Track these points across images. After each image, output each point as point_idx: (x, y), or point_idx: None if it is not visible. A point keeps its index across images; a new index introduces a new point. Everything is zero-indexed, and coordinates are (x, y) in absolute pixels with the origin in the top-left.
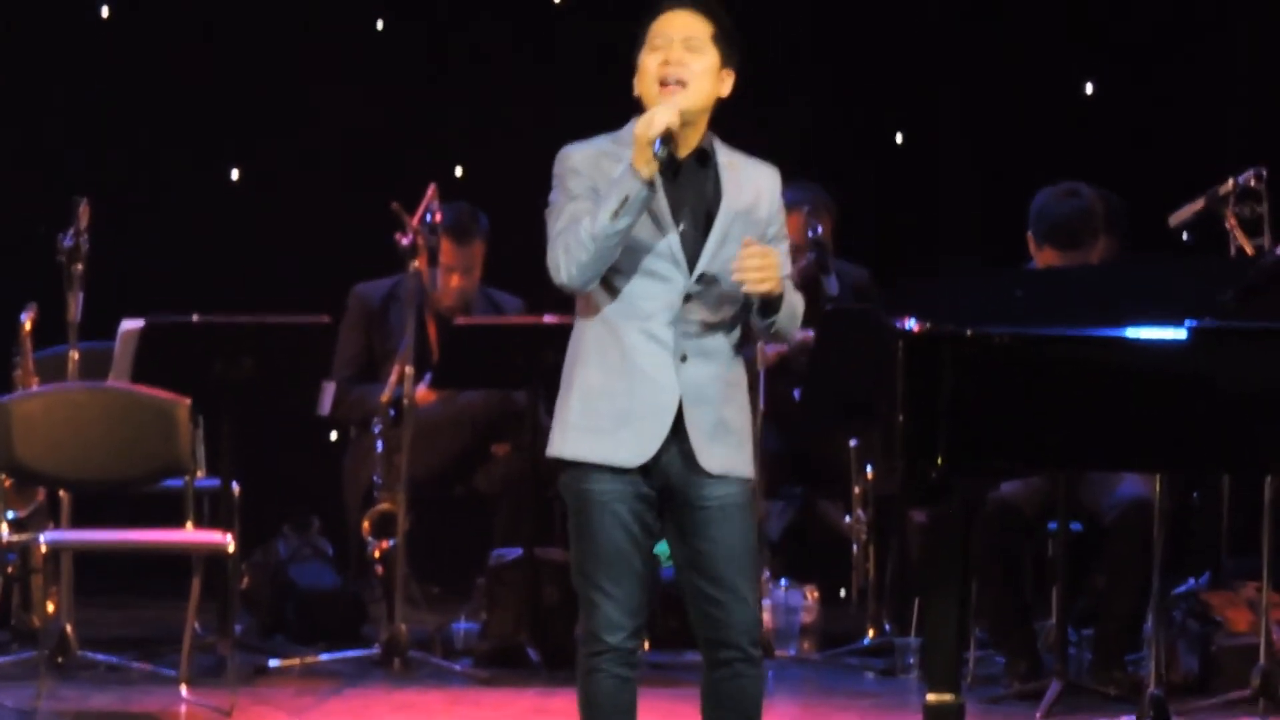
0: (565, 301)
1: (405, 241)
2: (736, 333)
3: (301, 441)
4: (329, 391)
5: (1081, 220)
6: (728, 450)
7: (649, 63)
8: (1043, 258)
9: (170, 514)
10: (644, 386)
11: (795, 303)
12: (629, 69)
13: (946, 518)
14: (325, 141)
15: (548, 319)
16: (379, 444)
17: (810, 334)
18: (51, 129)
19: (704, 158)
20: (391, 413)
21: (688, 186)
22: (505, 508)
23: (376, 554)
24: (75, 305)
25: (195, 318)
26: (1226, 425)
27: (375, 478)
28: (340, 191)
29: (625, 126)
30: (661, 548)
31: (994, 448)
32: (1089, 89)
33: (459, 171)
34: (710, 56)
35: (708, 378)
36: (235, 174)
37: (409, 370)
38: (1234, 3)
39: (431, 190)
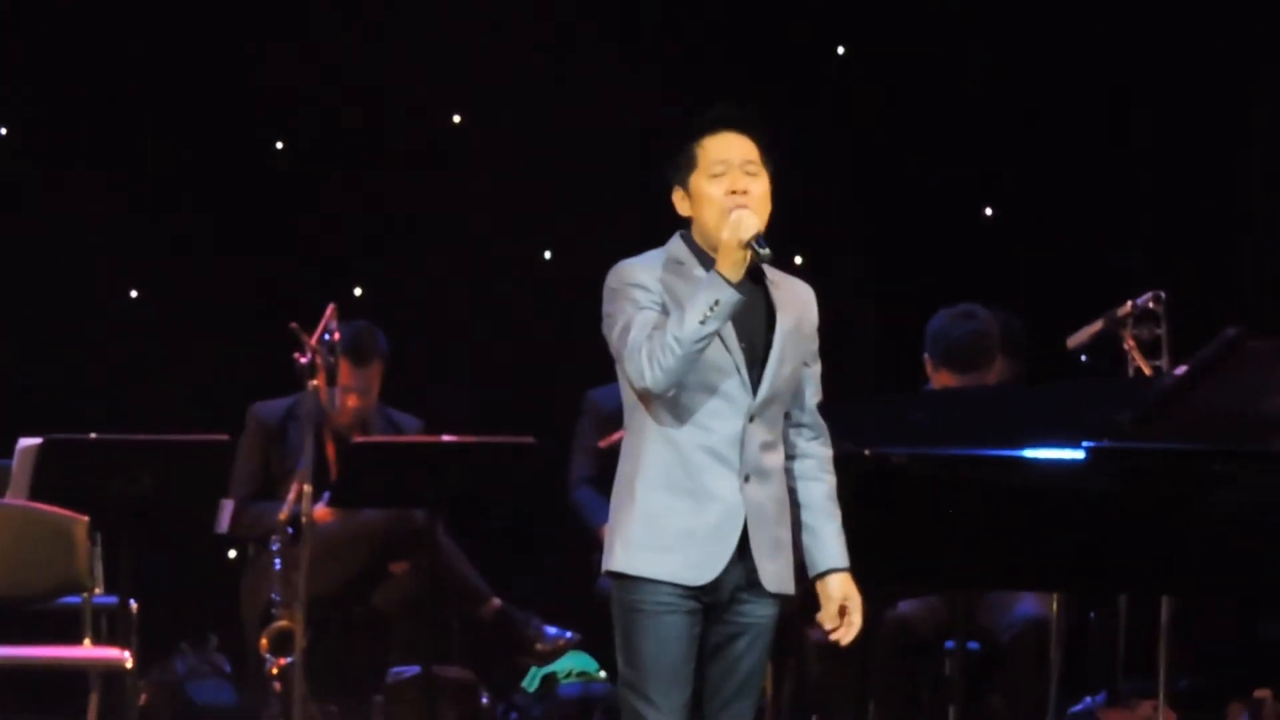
0: (463, 422)
1: (303, 360)
2: (782, 451)
3: (200, 559)
4: (227, 509)
5: (978, 342)
6: (779, 568)
7: (712, 191)
8: (939, 379)
9: (68, 631)
10: (711, 506)
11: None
12: (524, 191)
13: None
14: (223, 260)
15: (446, 438)
16: (277, 562)
17: None
18: None
19: (757, 276)
20: (290, 530)
21: (746, 298)
22: (403, 626)
23: (274, 671)
24: None
25: (93, 435)
26: (1124, 545)
27: (273, 595)
28: (238, 310)
29: (670, 242)
30: (562, 664)
31: (891, 567)
32: (988, 212)
33: (358, 291)
34: (765, 177)
35: (766, 497)
36: (134, 293)
37: (307, 488)
38: (1136, 127)
39: (330, 310)
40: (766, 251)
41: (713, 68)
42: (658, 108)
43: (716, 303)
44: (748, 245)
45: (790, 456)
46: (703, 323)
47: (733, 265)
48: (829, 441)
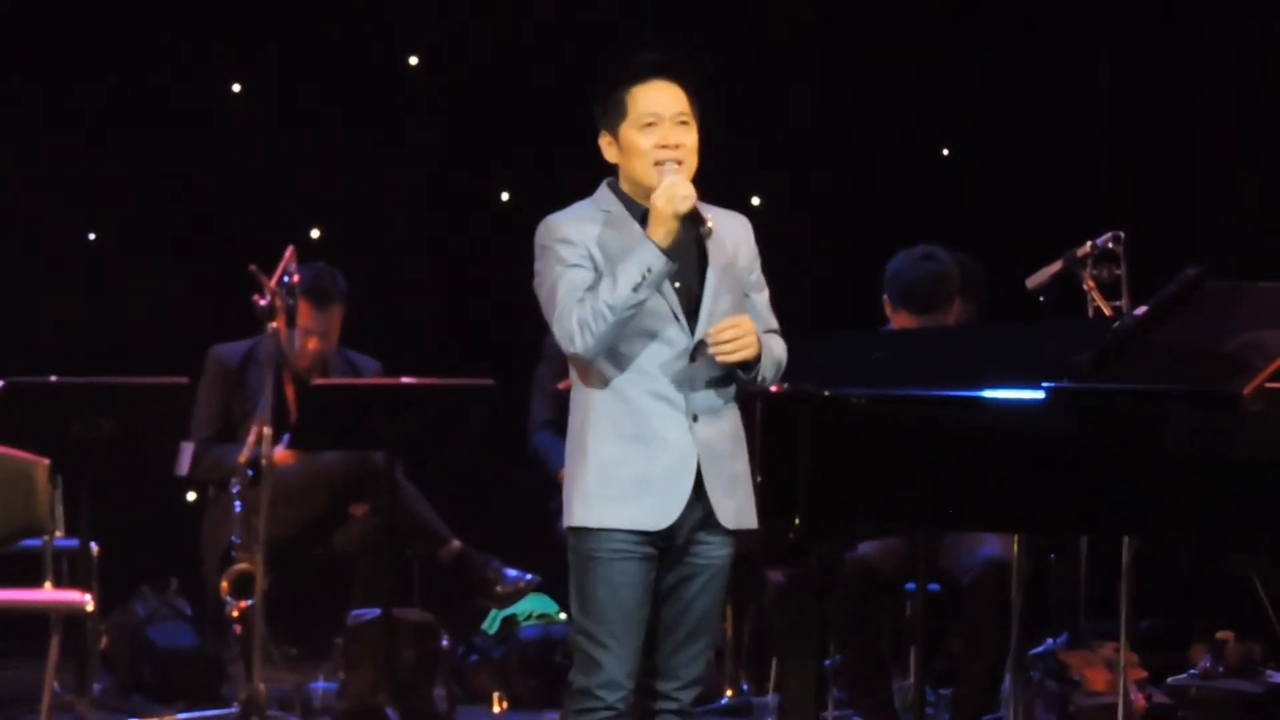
0: (422, 364)
1: (263, 303)
2: (734, 386)
3: (160, 502)
4: (187, 452)
5: (937, 283)
6: (739, 504)
7: (642, 143)
8: (898, 320)
9: (29, 573)
10: (662, 450)
11: (775, 349)
12: (481, 133)
13: (804, 578)
14: (183, 202)
15: (405, 380)
16: (237, 504)
17: None
18: None
19: (691, 216)
20: (250, 473)
21: (677, 246)
22: (363, 568)
23: (235, 614)
24: None
25: (53, 378)
26: (1084, 486)
27: (234, 538)
28: (198, 253)
29: (598, 191)
30: (522, 606)
31: (851, 508)
32: (945, 152)
33: (315, 233)
34: (695, 128)
35: (718, 435)
36: (92, 235)
37: (267, 431)
38: (1093, 66)
39: (289, 252)
40: (706, 233)
41: (671, 6)
42: (620, 45)
43: (649, 270)
44: (684, 220)
45: None
46: (635, 290)
47: (666, 233)
48: (783, 345)
